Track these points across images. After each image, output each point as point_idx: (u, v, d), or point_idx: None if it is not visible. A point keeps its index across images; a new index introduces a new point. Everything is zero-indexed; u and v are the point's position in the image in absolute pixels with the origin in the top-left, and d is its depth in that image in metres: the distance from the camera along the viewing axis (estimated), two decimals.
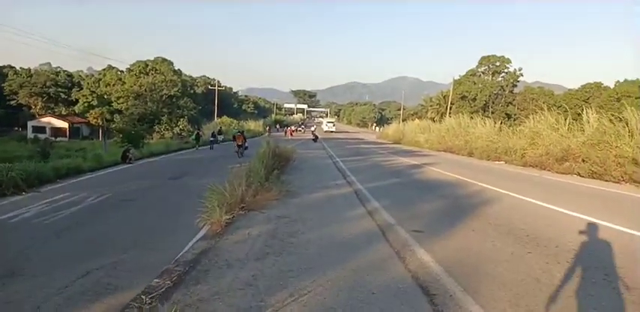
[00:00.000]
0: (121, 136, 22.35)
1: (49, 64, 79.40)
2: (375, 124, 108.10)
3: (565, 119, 17.01)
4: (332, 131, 69.24)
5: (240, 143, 20.49)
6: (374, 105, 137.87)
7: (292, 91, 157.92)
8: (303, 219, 6.15)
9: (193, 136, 27.45)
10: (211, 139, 27.01)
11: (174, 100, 55.76)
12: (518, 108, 63.21)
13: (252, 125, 50.44)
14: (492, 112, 62.87)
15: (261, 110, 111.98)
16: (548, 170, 15.40)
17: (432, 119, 56.41)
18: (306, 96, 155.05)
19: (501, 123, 24.48)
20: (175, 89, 55.48)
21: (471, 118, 28.21)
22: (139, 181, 12.44)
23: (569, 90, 59.74)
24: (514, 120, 51.64)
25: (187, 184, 11.97)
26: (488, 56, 64.54)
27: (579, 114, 19.27)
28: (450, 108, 62.41)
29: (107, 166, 16.17)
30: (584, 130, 15.67)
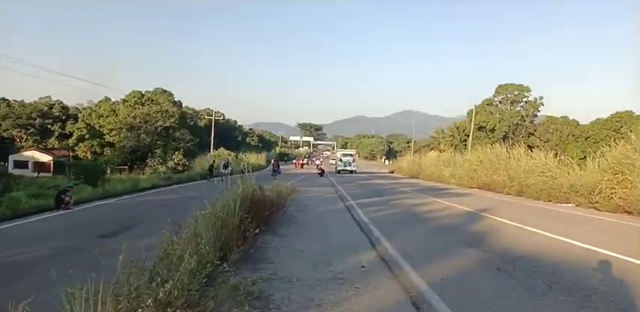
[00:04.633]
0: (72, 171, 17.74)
1: (49, 97, 76.54)
2: (384, 157, 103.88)
3: None
4: (351, 171, 40.60)
5: (275, 169, 26.31)
6: (381, 138, 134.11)
7: (299, 124, 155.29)
8: None
9: (207, 168, 28.78)
10: (222, 171, 25.83)
11: (170, 132, 51.84)
12: (540, 139, 58.43)
13: (253, 158, 45.65)
14: (512, 144, 58.02)
15: (266, 143, 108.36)
16: None
17: (443, 152, 51.36)
18: (313, 129, 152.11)
19: (556, 154, 19.51)
20: (171, 120, 51.52)
21: (510, 148, 23.38)
22: (48, 243, 7.73)
23: (597, 119, 54.71)
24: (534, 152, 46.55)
25: (116, 249, 7.02)
26: (506, 85, 60.65)
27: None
28: (465, 140, 57.93)
29: (29, 213, 11.43)
30: None
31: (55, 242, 7.96)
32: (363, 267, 5.02)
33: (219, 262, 4.39)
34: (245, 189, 7.04)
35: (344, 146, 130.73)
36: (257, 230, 6.55)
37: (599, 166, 14.73)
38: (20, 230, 9.44)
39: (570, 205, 14.85)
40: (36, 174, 42.69)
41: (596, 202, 13.58)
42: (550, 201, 16.05)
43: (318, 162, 44.38)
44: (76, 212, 12.19)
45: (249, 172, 8.24)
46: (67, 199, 12.59)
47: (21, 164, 44.91)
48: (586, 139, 55.13)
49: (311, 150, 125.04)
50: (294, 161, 57.22)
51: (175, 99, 66.06)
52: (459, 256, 5.80)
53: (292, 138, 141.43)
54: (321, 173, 32.77)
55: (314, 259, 5.39)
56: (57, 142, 57.96)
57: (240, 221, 5.56)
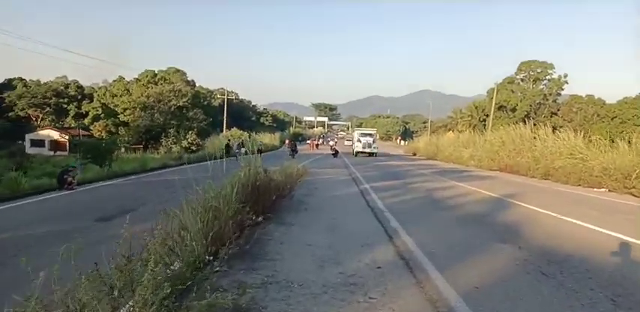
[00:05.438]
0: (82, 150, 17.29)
1: (65, 77, 76.56)
2: (400, 138, 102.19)
3: None
4: (371, 153, 33.98)
5: (292, 148, 29.57)
6: (397, 118, 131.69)
7: (313, 104, 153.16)
8: None
9: (222, 146, 27.89)
10: (237, 150, 25.30)
11: (183, 111, 51.37)
12: (563, 119, 56.01)
13: (267, 139, 45.00)
14: (534, 124, 55.91)
15: (280, 123, 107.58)
16: None
17: (460, 132, 49.75)
18: (327, 109, 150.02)
19: (584, 135, 18.19)
20: (184, 100, 50.91)
21: (533, 128, 22.09)
22: (39, 227, 7.21)
23: (625, 98, 52.00)
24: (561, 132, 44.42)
25: (114, 234, 6.39)
26: (529, 61, 57.83)
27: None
28: (485, 120, 55.98)
29: (30, 193, 11.00)
30: None
31: (48, 226, 7.45)
32: (378, 268, 4.23)
33: (210, 257, 3.69)
34: (247, 173, 6.29)
35: (359, 126, 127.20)
36: (260, 218, 5.84)
37: (634, 147, 13.54)
38: (13, 212, 8.95)
39: (603, 189, 13.80)
40: (52, 153, 42.98)
41: (633, 187, 12.50)
42: (579, 185, 14.97)
43: (332, 143, 43.44)
44: (77, 193, 11.72)
45: (254, 153, 7.53)
46: (69, 179, 12.13)
47: (38, 143, 45.39)
48: (612, 119, 52.55)
49: (326, 130, 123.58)
50: (308, 142, 56.45)
51: (189, 78, 65.41)
52: (491, 254, 4.94)
53: (306, 118, 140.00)
54: (335, 154, 32.86)
55: (321, 256, 4.63)
56: (73, 121, 58.29)
57: (236, 211, 4.82)
